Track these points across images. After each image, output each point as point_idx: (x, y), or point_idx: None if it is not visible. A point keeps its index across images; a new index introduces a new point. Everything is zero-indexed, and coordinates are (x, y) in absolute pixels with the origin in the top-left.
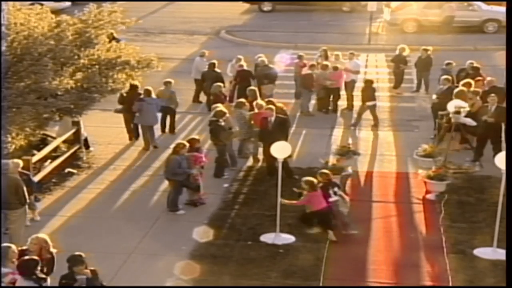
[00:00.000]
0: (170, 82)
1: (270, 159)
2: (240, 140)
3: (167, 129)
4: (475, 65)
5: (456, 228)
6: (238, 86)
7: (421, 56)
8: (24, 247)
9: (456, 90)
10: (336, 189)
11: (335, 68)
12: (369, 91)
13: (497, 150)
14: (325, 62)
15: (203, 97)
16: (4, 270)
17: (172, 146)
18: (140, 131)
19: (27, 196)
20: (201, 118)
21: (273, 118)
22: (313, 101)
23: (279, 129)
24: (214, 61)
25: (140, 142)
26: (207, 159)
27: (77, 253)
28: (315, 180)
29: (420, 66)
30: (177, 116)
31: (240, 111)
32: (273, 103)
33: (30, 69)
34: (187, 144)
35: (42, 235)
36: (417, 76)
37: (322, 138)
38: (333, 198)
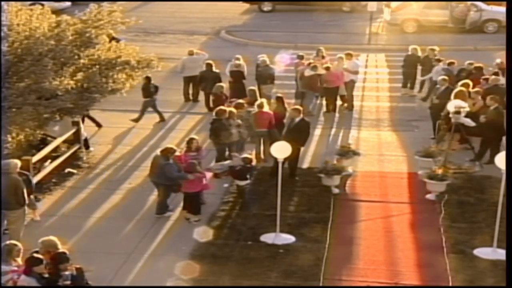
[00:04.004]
0: None
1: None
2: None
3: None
4: (478, 65)
5: (456, 228)
6: (233, 86)
7: (428, 55)
8: (36, 249)
9: (455, 91)
10: (248, 174)
11: (327, 69)
12: None
13: (495, 150)
14: (309, 60)
15: (201, 97)
16: (4, 268)
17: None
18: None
19: (26, 197)
20: (200, 118)
21: (297, 119)
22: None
23: (299, 131)
24: (210, 61)
25: (138, 142)
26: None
27: (61, 250)
28: (196, 163)
29: (427, 66)
30: (176, 116)
31: (247, 111)
32: (282, 102)
33: (31, 69)
34: (176, 148)
35: (52, 238)
36: (422, 75)
37: (322, 138)
38: (244, 182)
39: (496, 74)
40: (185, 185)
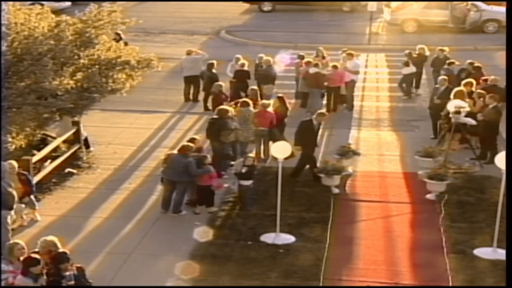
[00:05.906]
0: None
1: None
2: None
3: None
4: (476, 64)
5: (456, 228)
6: (235, 86)
7: (438, 56)
8: (36, 250)
9: (454, 90)
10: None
11: (334, 67)
12: None
13: (493, 149)
14: (307, 58)
15: (201, 97)
16: (3, 267)
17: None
18: None
19: (6, 203)
20: (200, 118)
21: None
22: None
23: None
24: (213, 61)
25: (138, 141)
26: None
27: (61, 250)
28: (208, 158)
29: (438, 66)
30: (176, 116)
31: (248, 110)
32: (284, 101)
33: (30, 69)
34: (192, 145)
35: (51, 237)
36: (434, 76)
37: (322, 138)
38: (249, 182)
39: (406, 64)
40: (199, 178)
